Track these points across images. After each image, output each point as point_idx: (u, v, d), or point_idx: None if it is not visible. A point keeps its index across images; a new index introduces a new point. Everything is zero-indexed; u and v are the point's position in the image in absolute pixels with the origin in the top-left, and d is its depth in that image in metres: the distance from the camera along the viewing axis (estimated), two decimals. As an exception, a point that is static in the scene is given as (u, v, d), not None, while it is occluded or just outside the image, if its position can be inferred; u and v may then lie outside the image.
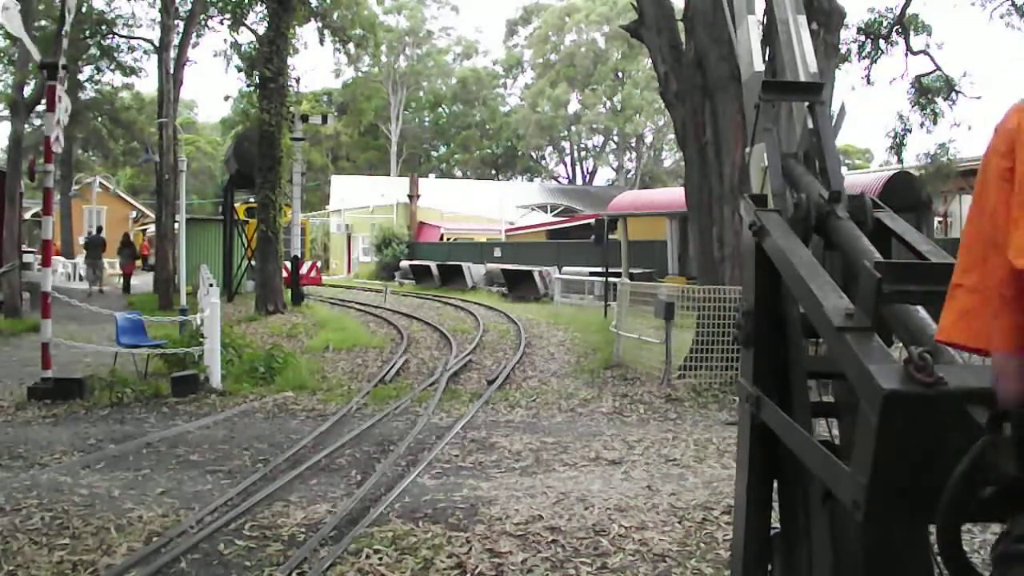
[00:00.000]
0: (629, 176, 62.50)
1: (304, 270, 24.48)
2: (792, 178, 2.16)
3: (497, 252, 33.37)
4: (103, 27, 28.14)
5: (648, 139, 63.57)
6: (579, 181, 66.06)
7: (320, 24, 27.66)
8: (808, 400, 1.83)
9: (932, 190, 19.03)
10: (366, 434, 7.51)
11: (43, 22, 21.31)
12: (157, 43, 22.86)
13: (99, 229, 27.54)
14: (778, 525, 2.12)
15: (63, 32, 10.65)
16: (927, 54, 18.01)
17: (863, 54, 16.29)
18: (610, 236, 20.43)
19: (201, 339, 10.11)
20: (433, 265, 31.23)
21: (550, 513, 5.05)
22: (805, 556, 1.78)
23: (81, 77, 33.58)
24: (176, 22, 21.89)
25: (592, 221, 23.65)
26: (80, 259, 33.81)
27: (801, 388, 1.86)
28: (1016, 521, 1.27)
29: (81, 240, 31.83)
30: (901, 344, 1.56)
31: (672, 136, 35.33)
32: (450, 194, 47.70)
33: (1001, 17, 18.19)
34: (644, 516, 5.01)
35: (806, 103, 2.25)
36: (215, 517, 4.98)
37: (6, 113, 25.43)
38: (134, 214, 45.39)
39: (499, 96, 70.23)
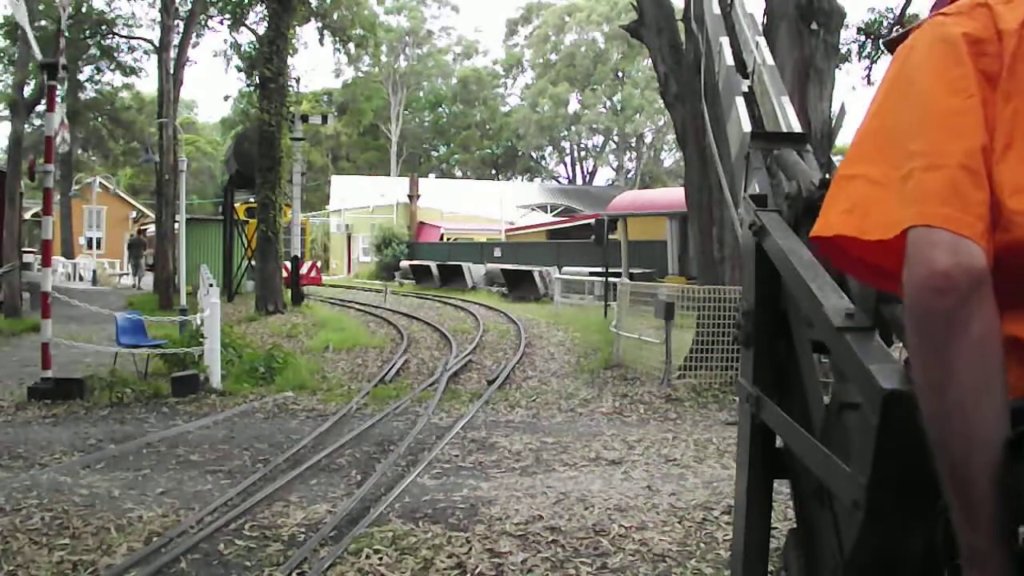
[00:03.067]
0: (629, 176, 62.53)
1: (304, 270, 24.49)
2: (786, 167, 2.23)
3: (497, 252, 33.37)
4: (103, 27, 28.16)
5: (648, 139, 63.62)
6: (579, 181, 66.07)
7: (320, 24, 27.71)
8: (819, 385, 1.82)
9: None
10: (366, 434, 7.51)
11: (43, 22, 21.28)
12: (157, 43, 22.90)
13: (139, 232, 32.13)
14: (780, 521, 2.12)
15: (61, 31, 10.65)
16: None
17: (863, 54, 16.27)
18: (610, 236, 20.43)
19: (201, 339, 10.11)
20: (433, 265, 31.22)
21: (550, 513, 5.05)
22: (828, 553, 1.77)
23: (81, 77, 33.62)
24: (176, 22, 21.91)
25: (592, 221, 23.65)
26: (80, 259, 34.13)
27: (811, 373, 1.86)
28: None
29: (126, 242, 36.82)
30: (902, 344, 1.55)
31: (672, 136, 35.37)
32: (450, 194, 47.70)
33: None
34: (644, 516, 5.01)
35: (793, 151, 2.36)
36: (215, 517, 4.97)
37: (6, 113, 25.43)
38: (134, 214, 45.35)
39: (499, 96, 70.29)
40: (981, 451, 0.96)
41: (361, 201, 45.66)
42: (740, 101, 2.57)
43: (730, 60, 2.76)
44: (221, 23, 27.38)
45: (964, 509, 0.98)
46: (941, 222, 0.99)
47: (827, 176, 2.04)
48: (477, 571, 4.18)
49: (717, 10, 3.10)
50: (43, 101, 10.26)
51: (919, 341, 0.99)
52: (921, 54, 1.12)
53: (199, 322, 10.78)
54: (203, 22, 26.18)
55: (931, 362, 0.98)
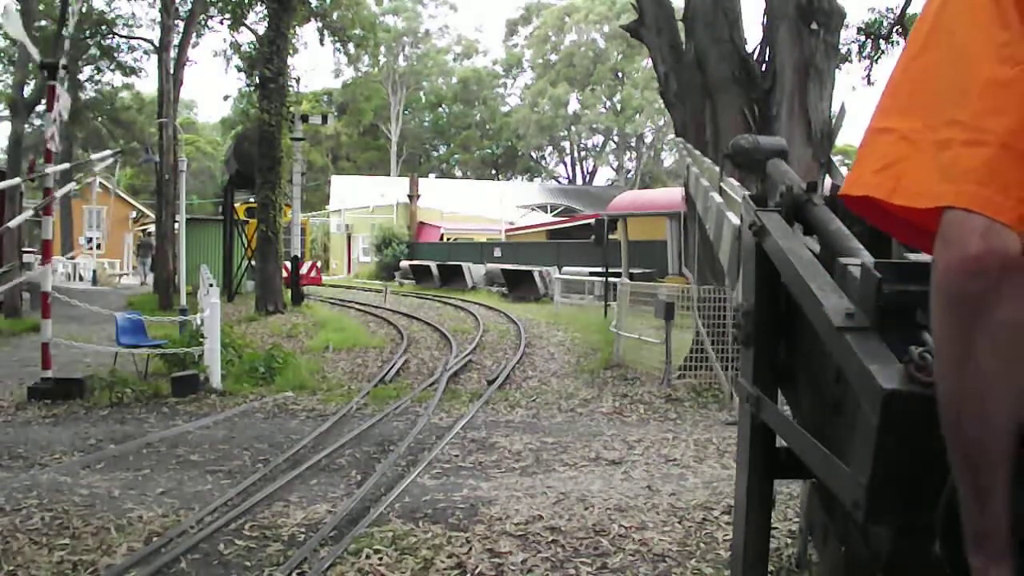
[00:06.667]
0: (629, 176, 62.52)
1: (304, 270, 24.49)
2: (776, 173, 2.35)
3: (497, 252, 33.35)
4: (103, 27, 28.17)
5: (648, 139, 63.64)
6: (579, 181, 66.07)
7: (320, 24, 27.70)
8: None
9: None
10: (366, 434, 7.51)
11: (43, 22, 21.30)
12: (157, 43, 22.89)
13: (148, 234, 33.37)
14: (780, 521, 2.12)
15: (64, 33, 10.67)
16: (927, 54, 17.86)
17: (863, 54, 16.25)
18: (610, 236, 20.41)
19: (201, 339, 10.11)
20: (433, 265, 31.22)
21: (550, 513, 5.05)
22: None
23: (81, 77, 33.62)
24: (176, 22, 21.89)
25: (592, 221, 23.64)
26: (80, 259, 34.19)
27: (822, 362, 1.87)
28: None
29: (136, 243, 39.45)
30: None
31: (672, 136, 35.34)
32: (450, 194, 47.70)
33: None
34: (644, 516, 5.01)
35: None
36: (215, 517, 4.97)
37: (6, 113, 25.45)
38: (134, 214, 45.32)
39: (499, 96, 70.29)
40: (995, 436, 0.97)
41: (361, 201, 45.66)
42: (731, 215, 2.89)
43: (719, 199, 3.27)
44: (221, 23, 27.37)
45: (973, 493, 0.98)
46: (980, 205, 0.98)
47: (816, 180, 2.13)
48: (477, 571, 4.18)
49: (708, 186, 3.75)
50: (43, 101, 10.27)
51: (945, 321, 1.00)
52: (964, 4, 1.06)
53: (199, 322, 10.78)
54: (203, 22, 26.17)
55: (954, 343, 0.99)
